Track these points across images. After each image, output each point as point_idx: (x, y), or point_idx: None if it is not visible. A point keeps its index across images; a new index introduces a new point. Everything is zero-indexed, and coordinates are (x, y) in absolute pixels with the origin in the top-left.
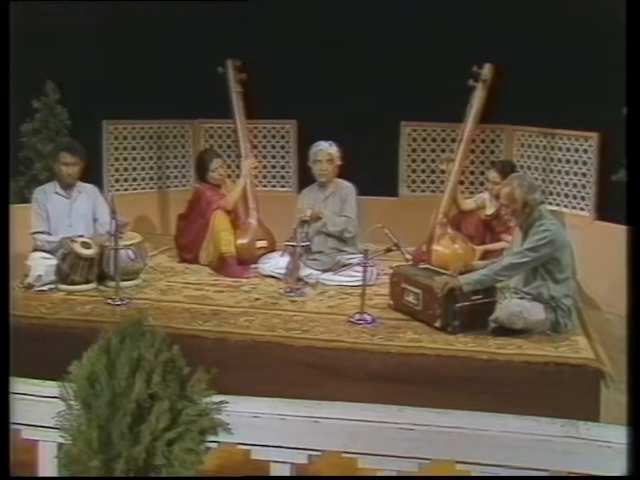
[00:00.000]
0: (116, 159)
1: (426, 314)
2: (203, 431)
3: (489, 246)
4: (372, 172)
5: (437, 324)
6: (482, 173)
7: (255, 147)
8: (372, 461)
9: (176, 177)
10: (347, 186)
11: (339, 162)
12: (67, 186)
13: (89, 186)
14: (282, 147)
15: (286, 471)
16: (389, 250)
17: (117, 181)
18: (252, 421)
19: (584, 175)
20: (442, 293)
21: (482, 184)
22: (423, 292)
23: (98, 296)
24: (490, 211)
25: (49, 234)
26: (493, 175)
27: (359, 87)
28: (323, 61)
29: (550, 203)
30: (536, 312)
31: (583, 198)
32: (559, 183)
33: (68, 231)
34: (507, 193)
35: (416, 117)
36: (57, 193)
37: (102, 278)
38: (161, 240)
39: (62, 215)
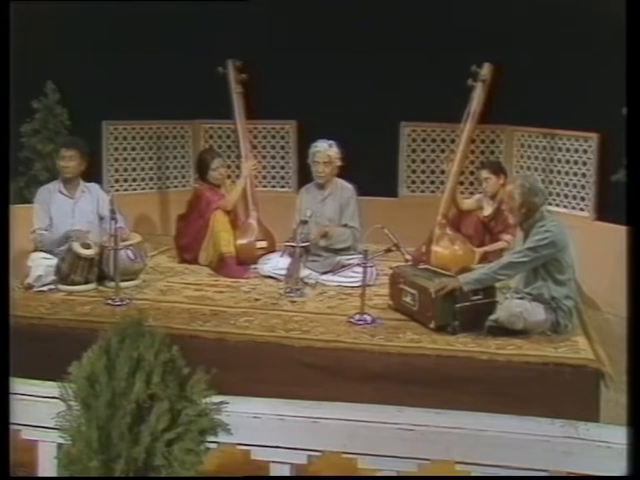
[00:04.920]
0: (116, 159)
1: (422, 315)
2: (203, 431)
3: (488, 247)
4: (372, 172)
5: (432, 325)
6: None
7: (255, 147)
8: (371, 461)
9: (176, 177)
10: (347, 188)
11: (339, 163)
12: (70, 184)
13: (92, 185)
14: (282, 147)
15: (286, 471)
16: (389, 250)
17: (117, 181)
18: (252, 421)
19: (584, 175)
20: (437, 295)
21: (481, 184)
22: (419, 293)
23: (98, 296)
24: (487, 212)
25: (50, 232)
26: (485, 173)
27: (359, 87)
28: (323, 61)
29: (550, 203)
30: (536, 313)
31: (583, 198)
32: (559, 183)
33: None
34: (508, 191)
35: (416, 117)
36: (61, 192)
37: (102, 278)
38: (161, 240)
39: (65, 215)
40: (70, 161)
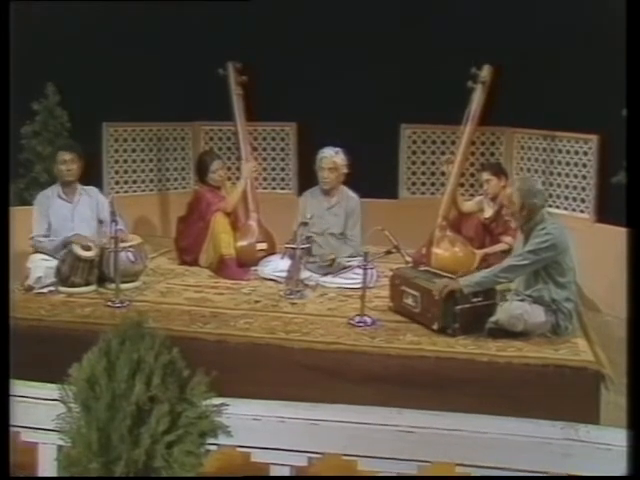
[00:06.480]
0: (116, 161)
1: (424, 316)
2: (203, 434)
3: (488, 249)
4: (372, 174)
5: (435, 326)
6: None
7: (255, 149)
8: (371, 463)
9: (176, 179)
10: (353, 198)
11: (345, 170)
12: (68, 188)
13: (90, 188)
14: (282, 149)
15: (286, 473)
16: (389, 252)
17: (117, 183)
18: (252, 423)
19: (584, 177)
20: (441, 296)
21: (482, 186)
22: (422, 295)
23: (98, 298)
24: (488, 214)
25: (48, 237)
26: (486, 175)
27: (359, 89)
28: (323, 63)
29: (550, 205)
30: (537, 315)
31: (583, 200)
32: (559, 185)
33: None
34: (507, 195)
35: (416, 119)
36: (60, 197)
37: (102, 280)
38: (161, 242)
39: (64, 219)
40: (72, 164)
